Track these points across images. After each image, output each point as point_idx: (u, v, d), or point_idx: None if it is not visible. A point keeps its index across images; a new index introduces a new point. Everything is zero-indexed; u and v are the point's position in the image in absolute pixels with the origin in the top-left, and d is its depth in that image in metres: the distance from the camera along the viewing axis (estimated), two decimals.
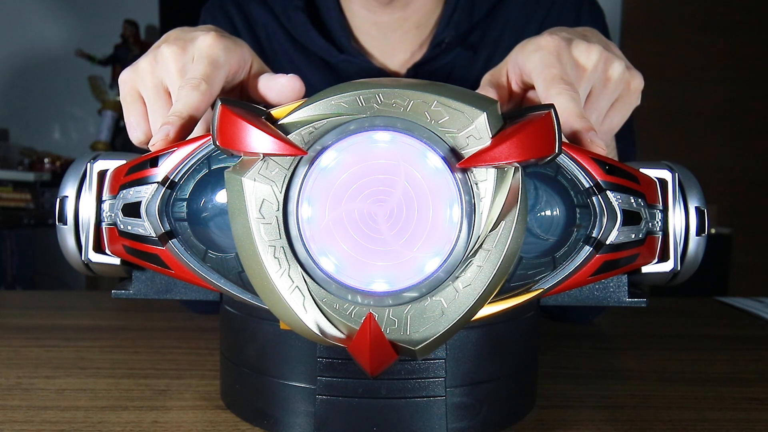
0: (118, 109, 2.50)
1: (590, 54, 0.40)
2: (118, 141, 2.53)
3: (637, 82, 0.43)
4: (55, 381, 0.45)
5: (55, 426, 0.37)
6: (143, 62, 0.41)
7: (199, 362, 0.48)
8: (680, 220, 0.37)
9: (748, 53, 2.81)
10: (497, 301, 0.32)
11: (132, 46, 2.58)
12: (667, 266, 0.37)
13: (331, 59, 0.68)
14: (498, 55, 0.70)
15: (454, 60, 0.69)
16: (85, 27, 2.72)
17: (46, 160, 2.42)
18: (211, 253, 0.34)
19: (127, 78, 0.42)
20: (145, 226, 0.33)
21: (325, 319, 0.29)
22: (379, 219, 0.30)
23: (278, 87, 0.41)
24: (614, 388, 0.46)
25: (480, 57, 0.70)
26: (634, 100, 0.43)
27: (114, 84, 2.55)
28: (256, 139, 0.29)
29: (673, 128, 2.82)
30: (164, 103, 0.40)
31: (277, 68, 0.70)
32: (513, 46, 0.57)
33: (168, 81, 0.40)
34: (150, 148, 0.37)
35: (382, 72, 0.68)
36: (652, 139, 2.84)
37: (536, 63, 0.40)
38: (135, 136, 0.41)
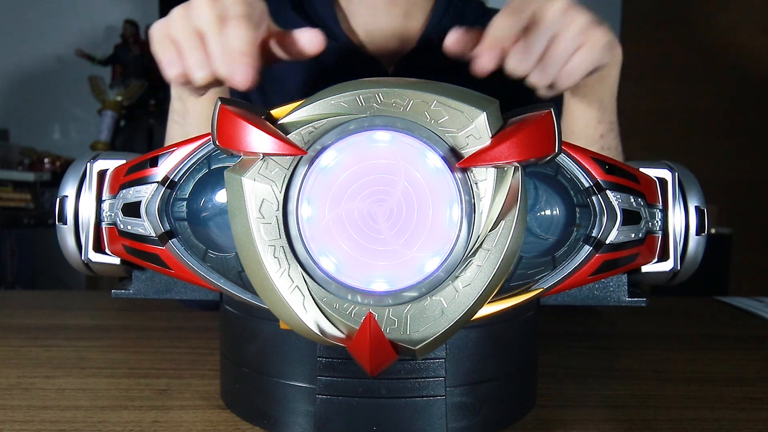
0: (118, 109, 2.50)
1: (554, 3, 0.43)
2: (118, 141, 2.53)
3: (599, 34, 0.44)
4: (55, 381, 0.45)
5: (55, 425, 0.37)
6: (175, 12, 0.42)
7: (199, 362, 0.48)
8: (680, 220, 0.37)
9: (748, 53, 2.81)
10: (497, 300, 0.32)
11: (132, 46, 2.58)
12: (666, 266, 0.37)
13: (325, 50, 0.69)
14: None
15: (443, 58, 0.71)
16: (85, 27, 2.72)
17: (46, 160, 2.41)
18: (211, 253, 0.34)
19: (158, 26, 0.42)
20: (145, 225, 0.33)
21: (324, 318, 0.29)
22: (379, 219, 0.30)
23: (302, 40, 0.42)
24: (614, 388, 0.46)
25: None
26: (598, 53, 0.45)
27: (114, 84, 2.55)
28: (256, 139, 0.29)
29: (673, 128, 2.82)
30: (198, 45, 0.40)
31: (269, 73, 0.72)
32: None
33: (204, 26, 0.40)
34: (231, 80, 0.37)
35: (373, 59, 0.69)
36: (652, 139, 2.84)
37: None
38: (171, 72, 0.42)
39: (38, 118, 2.75)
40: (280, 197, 0.29)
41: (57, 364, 0.48)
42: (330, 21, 0.69)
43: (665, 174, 0.37)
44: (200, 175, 0.34)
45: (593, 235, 0.33)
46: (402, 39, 0.72)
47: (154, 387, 0.44)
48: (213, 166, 0.34)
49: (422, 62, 0.70)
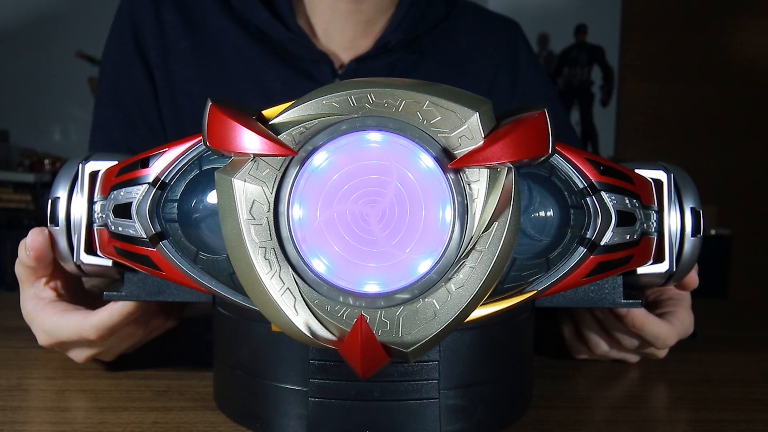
0: None
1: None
2: None
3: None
4: (56, 382, 0.45)
5: (55, 427, 0.37)
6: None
7: (200, 363, 0.48)
8: (676, 221, 0.36)
9: (748, 54, 2.81)
10: (490, 302, 0.31)
11: None
12: (662, 267, 0.36)
13: (275, 35, 0.68)
14: (443, 65, 0.73)
15: (396, 62, 0.71)
16: (85, 28, 2.72)
17: (46, 162, 2.42)
18: (203, 255, 0.33)
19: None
20: (136, 227, 0.33)
21: (316, 321, 0.29)
22: (371, 220, 0.30)
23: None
24: (615, 388, 0.46)
25: (427, 62, 0.72)
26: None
27: None
28: (247, 139, 0.29)
29: (673, 129, 2.82)
30: None
31: (206, 38, 0.69)
32: (454, 65, 0.69)
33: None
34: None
35: (324, 56, 0.68)
36: (651, 140, 2.84)
37: None
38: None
39: (39, 120, 2.76)
40: (271, 198, 0.29)
41: (57, 365, 0.48)
42: (285, 11, 0.68)
43: (661, 175, 0.37)
44: (191, 176, 0.34)
45: (588, 236, 0.33)
46: (360, 42, 0.71)
47: (154, 388, 0.43)
48: (204, 167, 0.34)
49: (374, 64, 0.70)
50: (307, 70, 0.68)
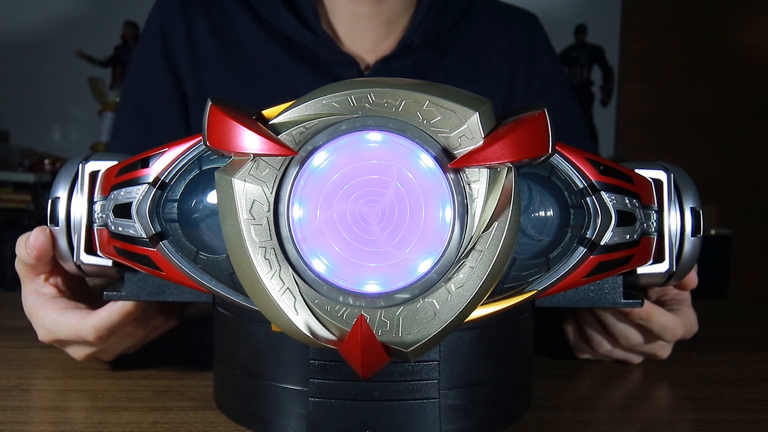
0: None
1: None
2: None
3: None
4: (56, 382, 0.45)
5: (55, 427, 0.37)
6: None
7: (200, 363, 0.48)
8: (675, 221, 0.36)
9: (748, 54, 2.81)
10: (490, 302, 0.31)
11: (132, 48, 2.58)
12: (662, 267, 0.36)
13: (302, 40, 0.69)
14: (463, 61, 0.74)
15: (419, 61, 0.72)
16: (85, 28, 2.72)
17: (46, 162, 2.41)
18: (203, 255, 0.33)
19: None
20: (136, 227, 0.33)
21: (316, 321, 0.29)
22: (371, 220, 0.30)
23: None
24: (615, 388, 0.46)
25: (448, 59, 0.73)
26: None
27: (114, 85, 2.55)
28: (246, 139, 0.29)
29: (673, 129, 2.82)
30: None
31: (234, 45, 0.71)
32: (474, 60, 0.70)
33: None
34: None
35: (350, 58, 0.69)
36: (652, 140, 2.84)
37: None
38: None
39: (39, 120, 2.75)
40: (271, 198, 0.29)
41: (57, 365, 0.48)
42: (310, 16, 0.69)
43: (660, 175, 0.37)
44: (191, 176, 0.34)
45: (588, 236, 0.33)
46: (382, 44, 0.72)
47: (154, 388, 0.43)
48: (204, 167, 0.34)
49: (398, 64, 0.70)
50: (333, 72, 0.69)
